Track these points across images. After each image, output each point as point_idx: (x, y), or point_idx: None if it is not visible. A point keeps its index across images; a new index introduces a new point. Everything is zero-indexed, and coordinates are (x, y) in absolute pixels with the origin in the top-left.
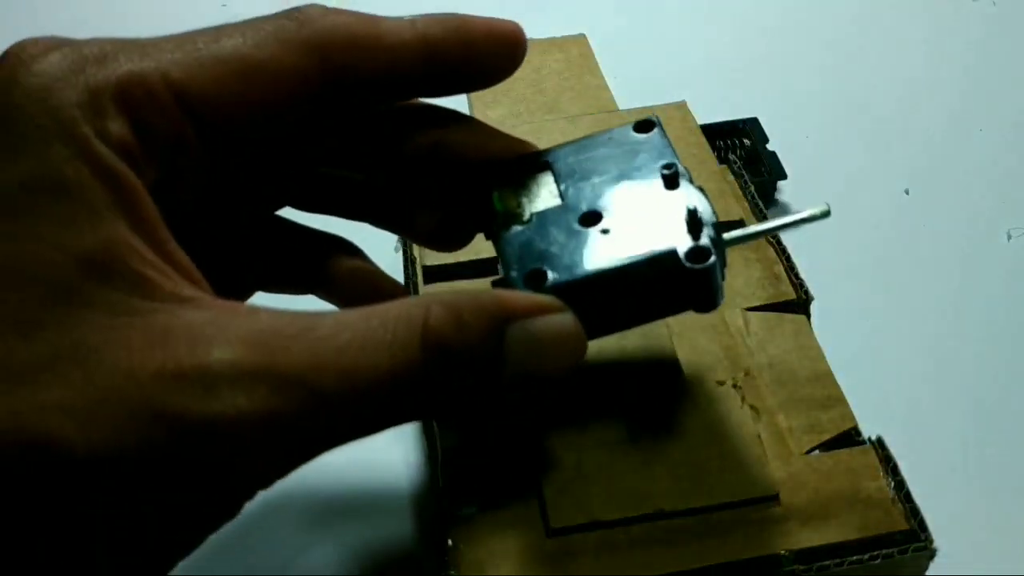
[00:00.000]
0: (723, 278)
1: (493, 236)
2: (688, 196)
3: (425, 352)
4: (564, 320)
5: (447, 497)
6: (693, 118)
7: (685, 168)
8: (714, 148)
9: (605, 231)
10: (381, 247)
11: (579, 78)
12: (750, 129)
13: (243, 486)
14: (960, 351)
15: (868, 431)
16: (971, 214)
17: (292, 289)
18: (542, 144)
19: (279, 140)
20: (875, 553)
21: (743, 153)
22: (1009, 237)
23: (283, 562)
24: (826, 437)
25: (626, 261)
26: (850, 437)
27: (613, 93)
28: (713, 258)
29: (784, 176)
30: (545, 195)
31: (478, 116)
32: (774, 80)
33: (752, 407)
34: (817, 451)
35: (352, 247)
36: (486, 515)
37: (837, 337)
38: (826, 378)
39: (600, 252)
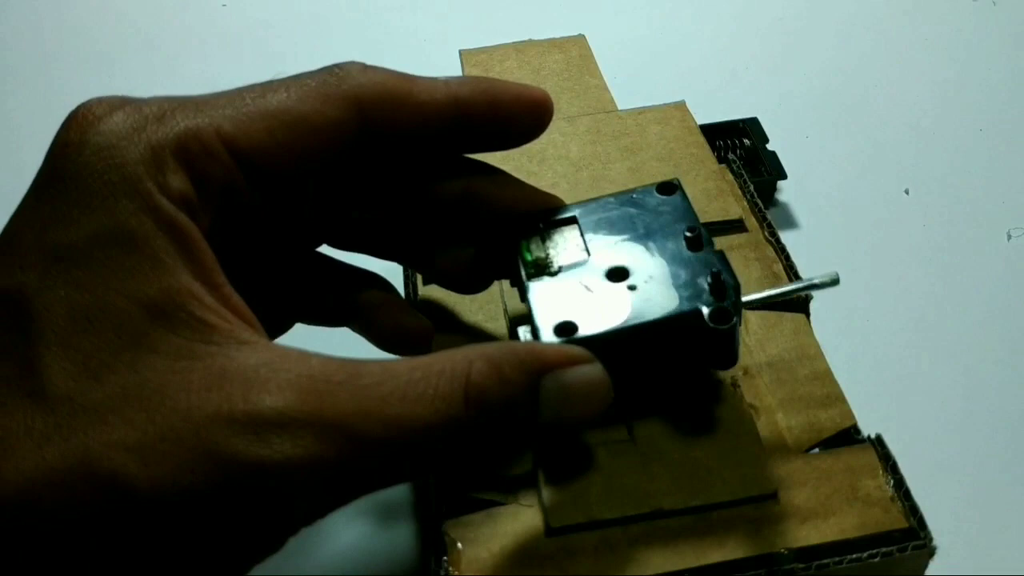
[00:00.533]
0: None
1: (520, 285)
2: (711, 259)
3: (467, 405)
4: (593, 371)
5: (441, 500)
6: (692, 118)
7: (706, 231)
8: (714, 148)
9: (632, 287)
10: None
11: (578, 79)
12: (750, 129)
13: (288, 523)
14: (960, 351)
15: (867, 430)
16: (971, 214)
17: (328, 322)
18: (540, 144)
19: (320, 185)
20: (874, 551)
21: (743, 153)
22: (1009, 237)
23: (283, 562)
24: (825, 435)
25: (653, 318)
26: (849, 435)
27: (613, 94)
28: (735, 319)
29: (784, 176)
30: (572, 249)
31: None
32: (774, 80)
33: (751, 406)
34: (816, 449)
35: (384, 282)
36: (486, 515)
37: (837, 336)
38: (825, 377)
39: (628, 308)
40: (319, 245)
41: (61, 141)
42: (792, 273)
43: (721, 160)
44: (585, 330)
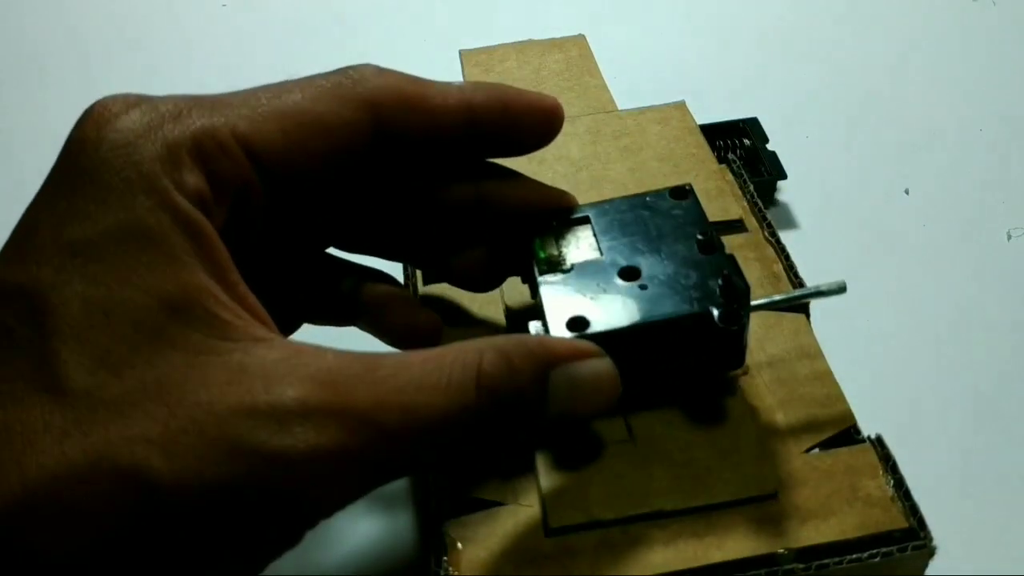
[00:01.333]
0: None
1: (531, 281)
2: (722, 262)
3: (479, 394)
4: (602, 364)
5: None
6: (692, 118)
7: (718, 235)
8: (714, 148)
9: (643, 287)
10: None
11: (578, 78)
12: (750, 129)
13: (308, 516)
14: (960, 350)
15: (867, 430)
16: (971, 214)
17: (337, 321)
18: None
19: (332, 186)
20: (874, 551)
21: (743, 153)
22: (1009, 237)
23: (283, 561)
24: (825, 436)
25: (664, 316)
26: (849, 436)
27: (613, 94)
28: (745, 321)
29: (784, 176)
30: (585, 247)
31: None
32: (774, 80)
33: (751, 406)
34: (816, 449)
35: (391, 279)
36: (486, 515)
37: (836, 336)
38: (825, 377)
39: (639, 306)
40: (328, 246)
41: (78, 137)
42: (792, 273)
43: (721, 160)
44: (596, 326)
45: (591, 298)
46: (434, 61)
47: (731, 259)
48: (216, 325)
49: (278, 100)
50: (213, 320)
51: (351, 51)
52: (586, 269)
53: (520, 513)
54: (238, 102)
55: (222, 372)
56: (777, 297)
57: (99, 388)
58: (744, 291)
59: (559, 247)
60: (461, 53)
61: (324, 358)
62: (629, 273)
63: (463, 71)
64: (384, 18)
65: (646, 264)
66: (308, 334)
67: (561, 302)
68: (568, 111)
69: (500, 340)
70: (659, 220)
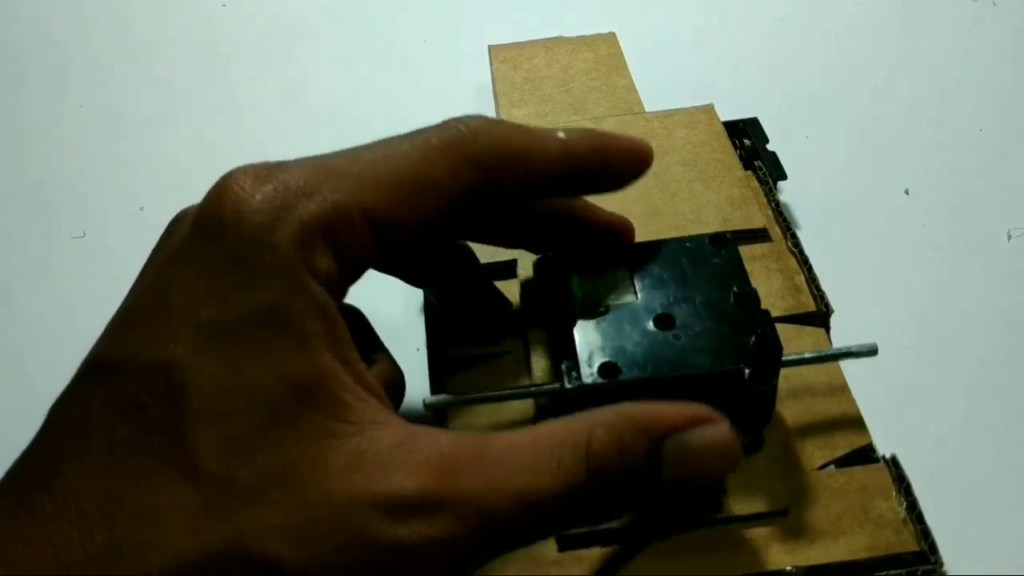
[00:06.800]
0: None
1: (566, 320)
2: (757, 318)
3: (589, 475)
4: (718, 431)
5: None
6: (719, 121)
7: (756, 291)
8: None
9: (676, 336)
10: None
11: (607, 78)
12: (750, 129)
13: None
14: (960, 351)
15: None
16: (971, 214)
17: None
18: None
19: (438, 231)
20: (884, 574)
21: (743, 153)
22: (1009, 237)
23: None
24: (840, 453)
25: (695, 370)
26: (865, 454)
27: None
28: (775, 381)
29: (784, 176)
30: (621, 290)
31: (504, 116)
32: (774, 80)
33: None
34: (831, 467)
35: (468, 252)
36: None
37: (836, 337)
38: (842, 393)
39: (672, 356)
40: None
41: (215, 216)
42: (814, 286)
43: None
44: (627, 374)
45: (623, 344)
46: (462, 56)
47: (766, 316)
48: (339, 408)
49: (395, 164)
50: (336, 403)
51: (353, 51)
52: (622, 313)
53: None
54: (359, 170)
55: (343, 458)
56: (807, 355)
57: (231, 472)
58: (777, 351)
59: (596, 288)
60: (490, 48)
61: (438, 443)
62: (663, 321)
63: (491, 67)
64: (410, 12)
65: (681, 313)
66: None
67: (593, 345)
68: (594, 111)
69: (609, 415)
70: (697, 268)
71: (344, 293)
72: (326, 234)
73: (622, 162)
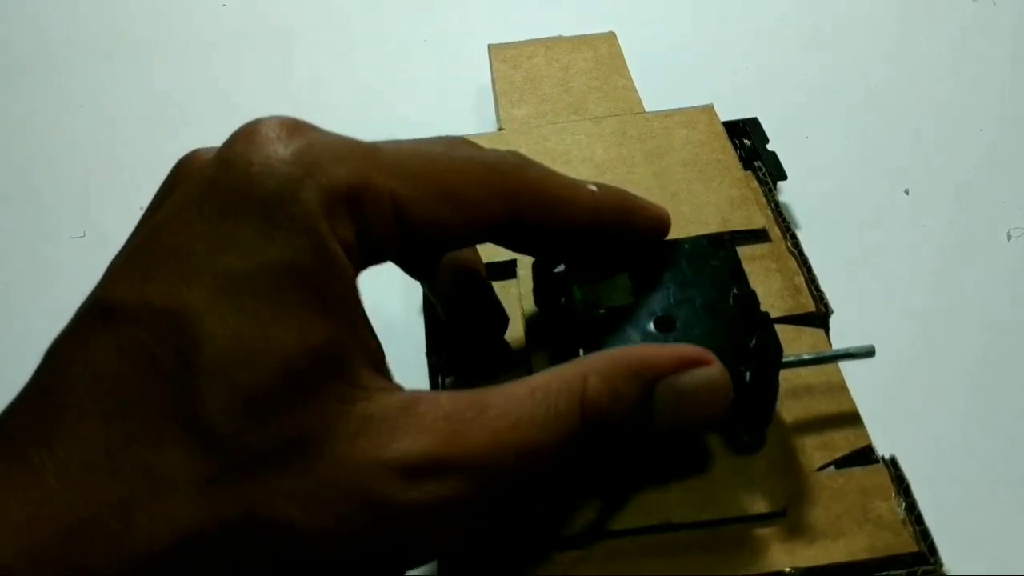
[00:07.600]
0: None
1: (566, 322)
2: (756, 320)
3: (584, 422)
4: (710, 373)
5: None
6: (719, 121)
7: (755, 293)
8: None
9: (677, 338)
10: None
11: (607, 78)
12: (750, 129)
13: (416, 560)
14: (960, 351)
15: (878, 443)
16: (971, 214)
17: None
18: (564, 145)
19: (459, 245)
20: (883, 574)
21: (743, 153)
22: (1009, 237)
23: None
24: (839, 454)
25: None
26: (864, 455)
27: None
28: (776, 384)
29: (784, 176)
30: (620, 291)
31: (504, 115)
32: (774, 80)
33: None
34: (831, 467)
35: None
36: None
37: (836, 337)
38: (842, 393)
39: None
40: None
41: (241, 157)
42: (813, 287)
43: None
44: None
45: (623, 345)
46: (461, 55)
47: (765, 317)
48: (348, 374)
49: (434, 169)
50: (348, 370)
51: (353, 51)
52: (621, 315)
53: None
54: (392, 160)
55: (352, 423)
56: (806, 356)
57: (243, 435)
58: (778, 353)
59: (596, 290)
60: (490, 48)
61: (439, 405)
62: (663, 323)
63: (491, 66)
64: (409, 11)
65: (681, 315)
66: None
67: (593, 347)
68: (594, 111)
69: (603, 361)
70: (696, 269)
71: (359, 271)
72: (351, 204)
73: (642, 227)
